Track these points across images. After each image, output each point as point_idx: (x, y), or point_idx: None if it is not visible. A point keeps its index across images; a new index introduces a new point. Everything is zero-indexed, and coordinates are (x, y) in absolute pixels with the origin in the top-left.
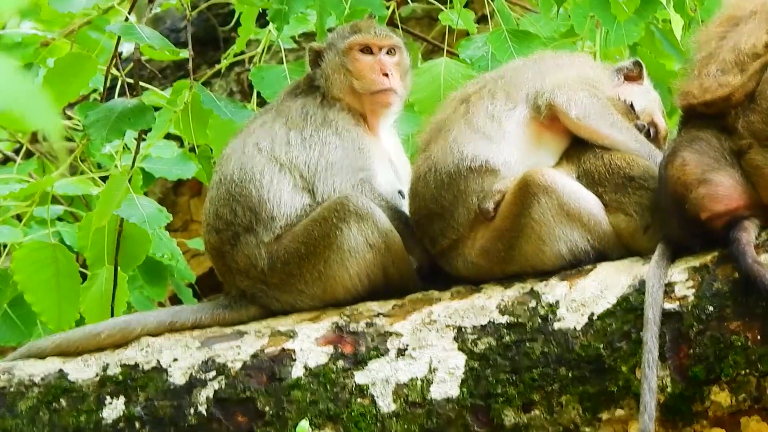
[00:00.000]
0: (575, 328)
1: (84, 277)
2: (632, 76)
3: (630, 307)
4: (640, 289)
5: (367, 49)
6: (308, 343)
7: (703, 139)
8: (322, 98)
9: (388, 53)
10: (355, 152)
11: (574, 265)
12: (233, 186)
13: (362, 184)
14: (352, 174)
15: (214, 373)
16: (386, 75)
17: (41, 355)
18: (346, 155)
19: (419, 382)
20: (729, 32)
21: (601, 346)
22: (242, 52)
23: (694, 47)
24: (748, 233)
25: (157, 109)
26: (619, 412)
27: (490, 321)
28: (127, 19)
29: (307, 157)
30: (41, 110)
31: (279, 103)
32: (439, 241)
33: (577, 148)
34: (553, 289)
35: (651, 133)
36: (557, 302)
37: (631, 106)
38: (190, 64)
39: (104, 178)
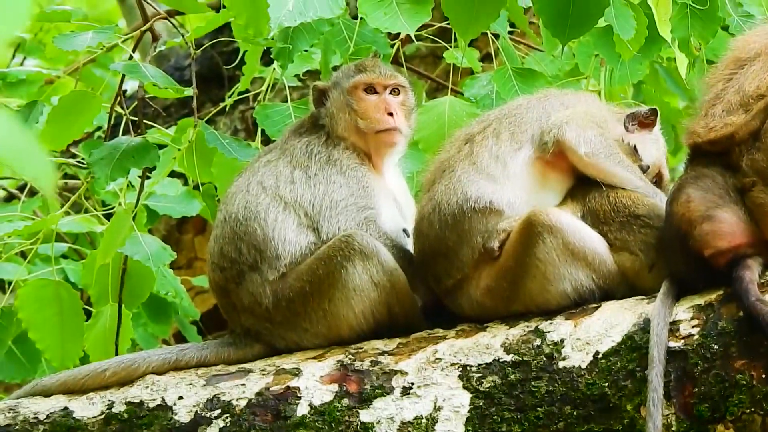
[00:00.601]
0: (580, 367)
1: (88, 314)
2: (647, 123)
3: (635, 346)
4: (645, 327)
5: (371, 89)
6: (313, 381)
7: (708, 176)
8: (326, 137)
9: (392, 92)
10: (359, 191)
11: (578, 304)
12: (238, 224)
13: (367, 223)
14: (357, 213)
15: (219, 411)
16: (391, 114)
17: (46, 393)
18: (350, 194)
19: (424, 421)
20: (735, 74)
21: (606, 384)
22: (247, 90)
23: (701, 89)
24: (752, 271)
25: (161, 147)
26: None
27: (495, 359)
28: (131, 57)
29: (312, 195)
30: (34, 159)
31: (283, 142)
32: (444, 280)
33: (581, 187)
34: (558, 328)
35: (655, 180)
36: (562, 341)
37: (635, 148)
38: (194, 102)
39: (108, 216)
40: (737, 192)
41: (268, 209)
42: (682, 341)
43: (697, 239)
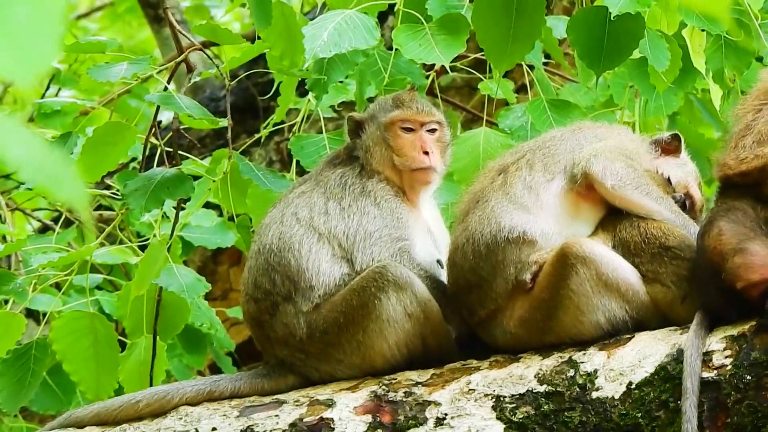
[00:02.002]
0: (613, 397)
1: (123, 345)
2: (670, 148)
3: (668, 377)
4: (678, 358)
5: (408, 125)
6: (347, 412)
7: (740, 209)
8: (361, 168)
9: (429, 130)
10: (393, 222)
11: (612, 335)
12: (272, 255)
13: (401, 254)
14: (391, 243)
15: None
16: (426, 153)
17: (80, 425)
18: (384, 225)
19: None
20: (765, 104)
21: (640, 415)
22: (282, 122)
23: (732, 120)
24: None
25: (196, 178)
26: None
27: (528, 390)
28: (166, 88)
29: (346, 226)
30: (70, 184)
31: (318, 173)
32: (478, 311)
33: (612, 217)
34: (591, 359)
35: (687, 205)
36: (595, 371)
37: (668, 179)
38: (229, 134)
39: (143, 247)
40: None
41: (302, 240)
42: (715, 372)
43: (729, 272)
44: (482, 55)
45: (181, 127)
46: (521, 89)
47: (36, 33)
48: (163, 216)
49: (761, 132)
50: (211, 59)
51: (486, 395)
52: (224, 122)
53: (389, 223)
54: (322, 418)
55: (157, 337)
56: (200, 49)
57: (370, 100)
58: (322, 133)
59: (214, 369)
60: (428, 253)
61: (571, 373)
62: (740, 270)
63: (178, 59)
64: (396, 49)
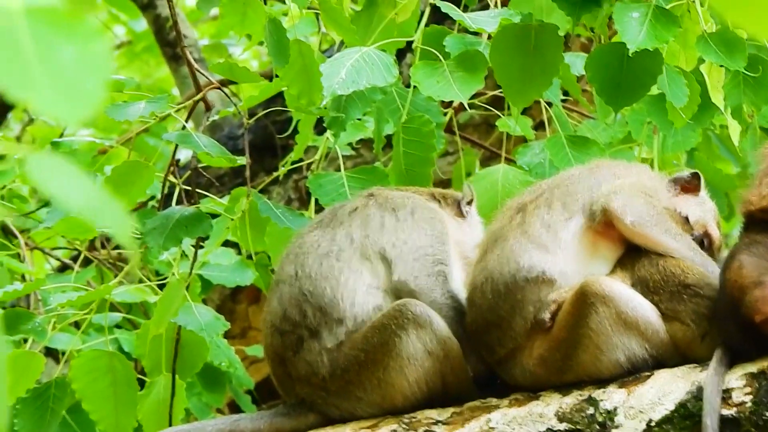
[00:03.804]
0: None
1: (142, 384)
2: (689, 187)
3: (687, 414)
4: (698, 395)
5: None
6: None
7: (761, 243)
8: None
9: None
10: (438, 243)
11: (631, 374)
12: (308, 282)
13: (437, 276)
14: (432, 264)
15: None
16: None
17: None
18: (430, 244)
19: None
20: None
21: None
22: (300, 160)
23: (758, 159)
24: None
25: (214, 216)
26: None
27: (548, 428)
28: (184, 127)
29: (397, 238)
30: (111, 213)
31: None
32: (497, 350)
33: (631, 255)
34: (611, 396)
35: (705, 243)
36: (615, 409)
37: (687, 218)
38: (248, 172)
39: (162, 286)
40: None
41: (343, 268)
42: (735, 409)
43: (748, 306)
44: (500, 92)
45: (200, 165)
46: (539, 126)
47: (83, 73)
48: (181, 255)
49: None
50: (229, 97)
51: None
52: (242, 160)
53: (434, 243)
54: None
55: (176, 376)
56: (218, 88)
57: (388, 137)
58: (340, 170)
59: (234, 407)
60: (461, 282)
61: (591, 410)
62: (759, 304)
63: (196, 98)
64: (414, 87)
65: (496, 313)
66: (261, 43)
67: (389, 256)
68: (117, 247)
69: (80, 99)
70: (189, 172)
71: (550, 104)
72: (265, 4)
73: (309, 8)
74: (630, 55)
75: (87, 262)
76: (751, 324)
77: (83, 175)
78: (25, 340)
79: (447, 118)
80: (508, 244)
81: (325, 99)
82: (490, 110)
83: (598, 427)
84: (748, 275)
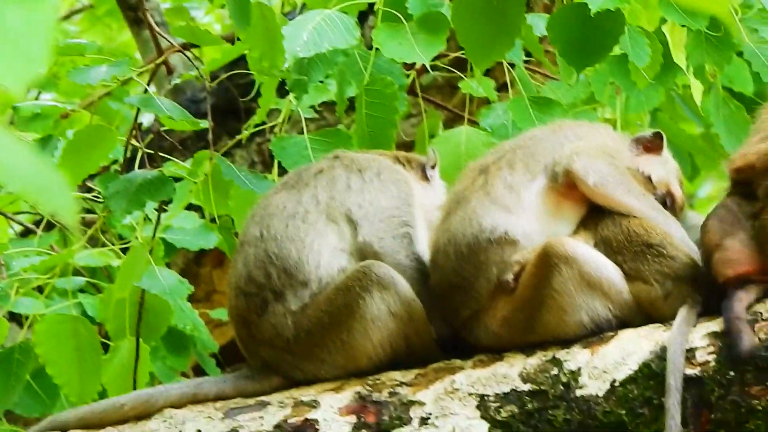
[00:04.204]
0: (597, 395)
1: (106, 348)
2: (651, 147)
3: (651, 374)
4: (662, 355)
5: None
6: (331, 413)
7: (726, 205)
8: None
9: None
10: (404, 205)
11: (595, 334)
12: (274, 244)
13: (403, 238)
14: (398, 226)
15: None
16: None
17: (64, 428)
18: (396, 206)
19: None
20: None
21: (623, 412)
22: (263, 123)
23: (757, 121)
24: (748, 293)
25: (177, 180)
26: None
27: (512, 389)
28: (146, 91)
29: (363, 199)
30: (57, 192)
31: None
32: (461, 311)
33: (594, 215)
34: (575, 357)
35: (668, 203)
36: (579, 369)
37: (649, 178)
38: (210, 135)
39: (125, 250)
40: (751, 219)
41: (309, 230)
42: (699, 368)
43: (712, 268)
44: (463, 53)
45: (162, 129)
46: (502, 87)
47: (28, 37)
48: (144, 218)
49: (766, 129)
50: (191, 61)
51: (470, 394)
52: (205, 124)
53: (400, 204)
54: (306, 420)
55: (140, 340)
56: (180, 51)
57: (351, 100)
58: (303, 133)
59: (198, 371)
60: (426, 244)
61: (555, 371)
62: (719, 266)
63: (158, 61)
64: (376, 49)
65: (460, 274)
66: (223, 6)
67: (355, 217)
68: (80, 211)
69: (25, 63)
70: (151, 135)
71: (512, 65)
72: None
73: None
74: (592, 15)
75: (50, 226)
76: (719, 286)
77: (27, 150)
78: None
79: (410, 80)
80: (471, 206)
81: (288, 62)
82: (453, 72)
83: (562, 387)
84: (712, 239)
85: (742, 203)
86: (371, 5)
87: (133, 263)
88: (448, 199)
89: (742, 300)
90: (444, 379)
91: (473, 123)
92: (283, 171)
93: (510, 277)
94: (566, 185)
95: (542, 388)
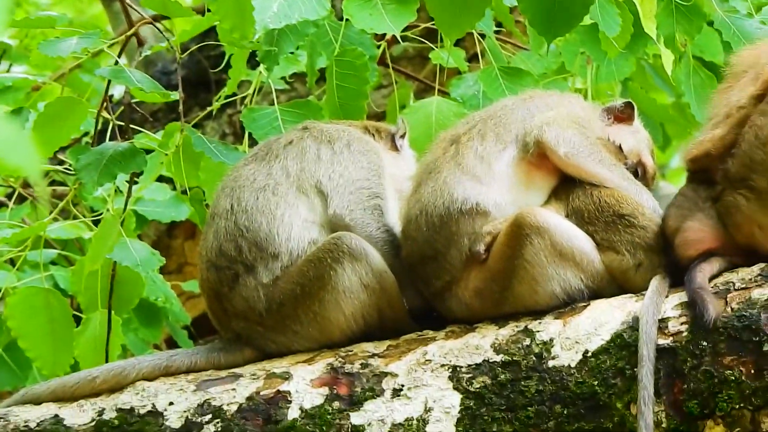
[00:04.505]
0: (570, 366)
1: (78, 321)
2: (622, 116)
3: (624, 344)
4: (634, 325)
5: None
6: (303, 384)
7: (683, 193)
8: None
9: None
10: (374, 177)
11: (568, 304)
12: (244, 217)
13: (374, 210)
14: (368, 198)
15: (209, 416)
16: None
17: (36, 401)
18: (366, 177)
19: (415, 422)
20: (731, 87)
21: (596, 382)
22: (234, 94)
23: (708, 106)
24: (710, 265)
25: (148, 152)
26: None
27: (484, 360)
28: (117, 63)
29: (333, 171)
30: (25, 155)
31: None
32: (433, 283)
33: (565, 186)
34: (547, 327)
35: (639, 173)
36: (551, 340)
37: (620, 147)
38: (181, 107)
39: (97, 222)
40: (708, 201)
41: (279, 202)
42: (671, 338)
43: (675, 253)
44: (433, 24)
45: (133, 101)
46: (473, 58)
47: None
48: (116, 190)
49: (719, 114)
50: (161, 33)
51: (442, 366)
52: (176, 96)
53: (370, 176)
54: (278, 391)
55: (113, 312)
56: (151, 23)
57: (322, 71)
58: (274, 104)
59: (171, 343)
60: (396, 216)
61: (527, 342)
62: (681, 249)
63: (129, 33)
64: (347, 20)
65: (432, 245)
66: None
67: (325, 189)
68: (52, 184)
69: None
70: (122, 107)
71: (483, 36)
72: None
73: None
74: None
75: (22, 199)
76: (681, 265)
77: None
78: None
79: (380, 51)
80: (442, 177)
81: (258, 33)
82: (424, 43)
83: (534, 358)
84: (671, 225)
85: (699, 189)
86: None
87: (105, 235)
88: (419, 170)
89: (704, 271)
90: (416, 350)
91: (444, 93)
92: (254, 142)
93: (481, 248)
94: (537, 155)
95: (514, 358)
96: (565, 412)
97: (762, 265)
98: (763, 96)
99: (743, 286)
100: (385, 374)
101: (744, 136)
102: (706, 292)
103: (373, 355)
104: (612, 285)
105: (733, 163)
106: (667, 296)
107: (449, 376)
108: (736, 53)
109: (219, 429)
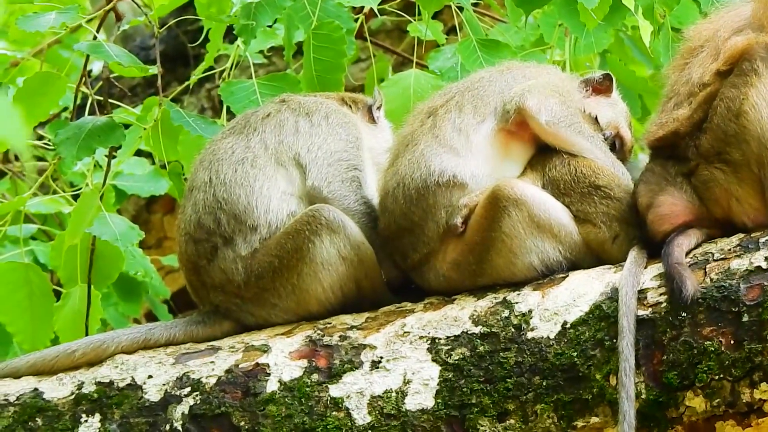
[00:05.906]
0: (548, 337)
1: (58, 295)
2: (601, 88)
3: (603, 315)
4: (613, 296)
5: None
6: (282, 357)
7: (651, 169)
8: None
9: None
10: (353, 148)
11: (546, 276)
12: (223, 190)
13: (352, 182)
14: (346, 170)
15: (188, 389)
16: None
17: (16, 375)
18: (344, 149)
19: (394, 394)
20: (688, 64)
21: (575, 354)
22: (212, 68)
23: (663, 82)
24: (687, 238)
25: (127, 126)
26: (594, 420)
27: (463, 331)
28: (95, 38)
29: (312, 142)
30: (10, 127)
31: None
32: (411, 255)
33: (541, 156)
34: (526, 299)
35: (616, 145)
36: (530, 311)
37: (596, 119)
38: (159, 81)
39: (76, 197)
40: (680, 176)
41: (258, 175)
42: (650, 309)
43: (648, 229)
44: None
45: (112, 75)
46: (451, 31)
47: None
48: (95, 165)
49: (680, 93)
50: (139, 7)
51: (421, 337)
52: (154, 70)
53: (349, 148)
54: (257, 364)
55: (92, 286)
56: None
57: (299, 44)
58: (252, 78)
59: (150, 317)
60: (375, 188)
61: (506, 313)
62: (654, 225)
63: (107, 8)
64: None
65: (409, 218)
66: None
67: (303, 161)
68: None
69: None
70: (101, 82)
71: (461, 8)
72: None
73: None
74: None
75: (1, 174)
76: (656, 241)
77: None
78: None
79: (358, 24)
80: (419, 149)
81: (235, 7)
82: (402, 16)
83: (513, 329)
84: (642, 201)
85: (667, 164)
86: None
87: (84, 210)
88: (397, 142)
89: (681, 245)
90: (395, 322)
91: (422, 66)
92: (232, 116)
93: (459, 220)
94: (516, 124)
95: (493, 330)
96: (544, 383)
97: (741, 235)
98: (728, 71)
99: (722, 256)
100: (364, 346)
101: (715, 110)
102: (683, 268)
103: (351, 327)
104: (590, 256)
105: (705, 139)
106: (645, 267)
107: (428, 348)
108: (690, 28)
109: (198, 402)
